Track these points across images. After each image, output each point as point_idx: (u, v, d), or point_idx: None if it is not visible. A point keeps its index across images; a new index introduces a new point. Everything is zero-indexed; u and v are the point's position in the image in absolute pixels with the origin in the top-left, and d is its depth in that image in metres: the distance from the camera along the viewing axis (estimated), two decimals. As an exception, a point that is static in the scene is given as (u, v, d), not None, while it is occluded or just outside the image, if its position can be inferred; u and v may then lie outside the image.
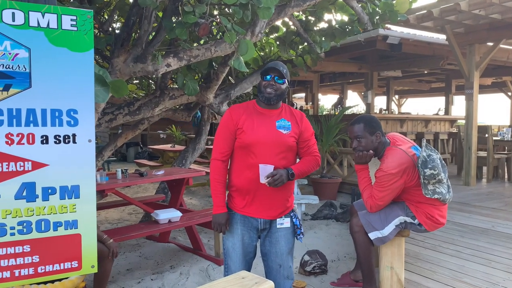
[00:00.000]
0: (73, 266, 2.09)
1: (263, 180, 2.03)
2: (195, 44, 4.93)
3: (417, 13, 5.84)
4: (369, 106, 9.39)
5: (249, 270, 2.20)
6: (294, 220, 2.19)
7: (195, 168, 5.91)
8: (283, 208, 2.16)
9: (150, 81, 7.25)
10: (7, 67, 1.90)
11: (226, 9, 4.90)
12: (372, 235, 2.43)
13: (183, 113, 6.46)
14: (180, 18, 3.83)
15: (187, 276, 3.34)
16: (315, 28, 5.61)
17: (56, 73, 2.01)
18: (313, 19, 5.57)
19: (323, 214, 5.19)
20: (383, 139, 2.48)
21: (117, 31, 5.18)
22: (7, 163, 1.91)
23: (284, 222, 2.16)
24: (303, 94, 17.14)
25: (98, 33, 4.69)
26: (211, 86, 5.14)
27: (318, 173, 6.88)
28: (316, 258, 3.32)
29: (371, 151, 2.45)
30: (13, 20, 1.90)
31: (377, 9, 5.03)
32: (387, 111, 12.74)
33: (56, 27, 1.99)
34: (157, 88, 5.06)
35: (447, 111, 11.90)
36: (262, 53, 6.59)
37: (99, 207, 4.42)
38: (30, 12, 1.92)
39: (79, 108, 2.07)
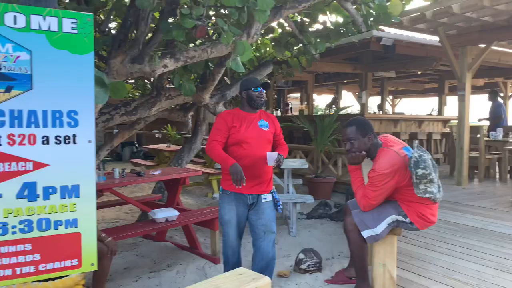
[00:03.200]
0: (73, 264, 2.14)
1: (271, 163, 2.69)
2: (191, 45, 4.97)
3: (410, 15, 5.92)
4: (364, 107, 9.48)
5: (241, 235, 2.89)
6: (274, 195, 2.88)
7: (192, 168, 5.95)
8: (265, 187, 2.82)
9: (146, 81, 7.29)
10: (9, 69, 1.94)
11: (222, 10, 4.94)
12: (365, 234, 2.50)
13: (179, 113, 6.50)
14: (177, 20, 3.89)
15: (184, 274, 3.39)
16: (310, 30, 5.67)
17: (57, 75, 2.05)
18: (308, 20, 5.63)
19: (318, 213, 5.26)
20: (375, 141, 2.55)
21: (113, 32, 5.22)
22: (8, 163, 1.95)
23: (268, 197, 2.83)
24: (298, 94, 17.22)
25: (95, 34, 4.71)
26: (207, 86, 5.18)
27: (312, 172, 6.95)
28: (311, 256, 3.38)
29: (363, 152, 2.52)
30: (15, 23, 1.94)
31: (371, 11, 5.10)
32: (381, 112, 12.85)
33: (57, 30, 2.03)
34: (154, 89, 5.10)
35: (440, 112, 12.03)
36: (257, 54, 6.64)
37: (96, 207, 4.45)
38: (31, 15, 1.97)
39: (79, 109, 2.12)
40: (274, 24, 5.73)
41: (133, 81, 7.40)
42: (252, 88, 2.79)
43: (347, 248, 3.92)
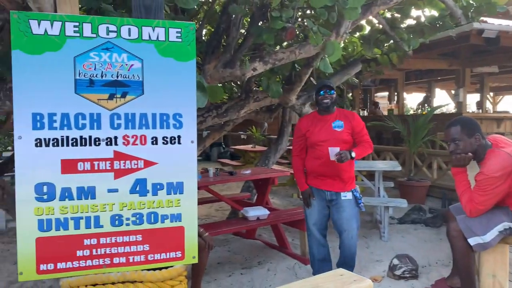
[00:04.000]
0: (177, 256, 2.30)
1: (333, 157, 2.84)
2: (278, 48, 5.05)
3: (519, 3, 5.34)
4: (461, 105, 8.77)
5: (325, 229, 3.14)
6: (355, 194, 3.01)
7: (279, 169, 6.03)
8: (344, 185, 2.98)
9: (233, 84, 7.57)
10: (125, 76, 2.15)
11: (309, 11, 4.94)
12: (472, 241, 2.31)
13: (265, 115, 6.63)
14: (267, 24, 3.98)
15: (275, 273, 3.46)
16: (402, 26, 5.41)
17: (164, 81, 2.22)
18: (399, 16, 5.38)
19: (411, 218, 4.99)
20: (483, 142, 2.35)
21: (203, 39, 5.50)
22: (124, 161, 2.16)
23: (348, 195, 2.98)
24: (386, 93, 16.48)
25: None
26: (293, 88, 5.22)
27: (404, 175, 6.61)
28: (406, 262, 3.23)
29: (470, 154, 2.33)
30: (129, 35, 2.14)
31: (471, 1, 4.71)
32: (480, 110, 11.77)
33: (164, 40, 2.21)
34: (243, 92, 5.27)
35: (554, 109, 10.64)
36: (344, 53, 6.51)
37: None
38: (143, 27, 2.16)
39: (183, 112, 2.27)
40: (363, 22, 5.58)
41: (220, 85, 7.72)
42: (317, 93, 3.02)
43: (445, 256, 3.68)
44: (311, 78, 6.22)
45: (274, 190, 7.59)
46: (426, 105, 12.40)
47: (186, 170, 2.28)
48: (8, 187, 3.32)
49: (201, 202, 4.84)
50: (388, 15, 5.52)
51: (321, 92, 2.99)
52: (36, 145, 2.02)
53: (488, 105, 16.07)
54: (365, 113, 13.23)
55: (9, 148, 9.16)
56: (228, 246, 4.25)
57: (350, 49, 6.55)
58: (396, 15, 5.40)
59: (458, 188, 2.42)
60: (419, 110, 12.33)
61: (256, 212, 3.48)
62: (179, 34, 2.23)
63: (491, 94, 17.11)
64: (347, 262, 3.05)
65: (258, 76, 5.29)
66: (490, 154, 2.29)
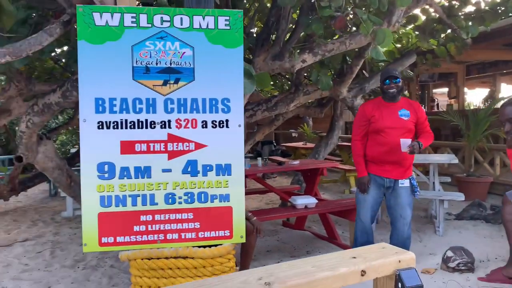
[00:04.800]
0: (225, 234, 2.40)
1: (405, 149, 2.83)
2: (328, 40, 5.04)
3: None
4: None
5: (374, 218, 3.13)
6: (412, 181, 3.03)
7: (328, 160, 5.99)
8: (403, 173, 3.00)
9: (283, 80, 7.62)
10: (177, 63, 2.29)
11: (359, 0, 4.88)
12: (529, 225, 2.20)
13: (316, 109, 6.62)
14: (316, 15, 3.99)
15: (323, 262, 3.46)
16: (460, 14, 5.17)
17: (213, 67, 2.33)
18: (457, 3, 5.15)
19: (469, 214, 4.75)
20: None
21: (251, 31, 5.60)
22: (176, 143, 2.30)
23: (405, 183, 3.00)
24: (445, 89, 15.67)
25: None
26: (345, 80, 5.18)
27: (463, 171, 6.28)
28: (461, 254, 3.10)
29: None
30: (181, 24, 2.28)
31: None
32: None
33: (213, 27, 2.31)
34: (292, 85, 5.31)
35: None
36: (399, 45, 6.33)
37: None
38: (194, 16, 2.28)
39: (231, 97, 2.36)
40: (417, 11, 5.40)
41: (272, 82, 7.81)
42: (383, 82, 3.03)
43: (506, 252, 3.47)
44: (363, 71, 6.12)
45: (325, 187, 7.54)
46: (490, 100, 11.64)
47: (233, 152, 2.37)
48: (75, 176, 3.62)
49: (250, 192, 4.96)
50: (445, 3, 5.30)
51: (387, 81, 3.00)
52: (98, 127, 2.20)
53: None
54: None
55: (76, 146, 9.90)
56: (278, 236, 4.32)
57: (404, 41, 6.35)
58: (454, 2, 5.17)
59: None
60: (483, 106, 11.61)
61: (304, 201, 3.51)
62: (227, 22, 2.33)
63: None
64: (402, 247, 2.98)
65: (309, 69, 5.32)
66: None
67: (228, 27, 2.34)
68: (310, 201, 3.52)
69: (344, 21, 3.56)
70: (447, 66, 9.32)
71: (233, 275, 1.25)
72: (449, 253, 3.14)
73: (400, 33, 6.18)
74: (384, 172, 3.01)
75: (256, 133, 6.26)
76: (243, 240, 2.42)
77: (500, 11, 5.00)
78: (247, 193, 4.90)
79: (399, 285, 1.30)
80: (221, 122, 2.36)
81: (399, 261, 1.37)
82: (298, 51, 4.21)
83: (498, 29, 6.55)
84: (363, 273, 1.29)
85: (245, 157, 8.51)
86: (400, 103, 3.04)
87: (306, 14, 4.15)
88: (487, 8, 4.89)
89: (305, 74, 5.61)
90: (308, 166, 3.94)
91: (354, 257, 1.36)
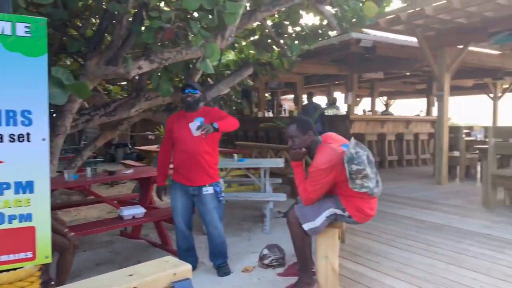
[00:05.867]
0: (27, 256, 2.23)
1: (196, 133, 2.96)
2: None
3: (387, 17, 6.03)
4: (350, 108, 9.58)
5: (189, 222, 3.33)
6: (215, 188, 3.22)
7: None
8: (206, 180, 3.18)
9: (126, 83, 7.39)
10: (-37, 71, 2.05)
11: (196, 14, 5.06)
12: (306, 226, 2.62)
13: (163, 114, 6.59)
14: (148, 23, 4.00)
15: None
16: (290, 31, 5.79)
17: (11, 76, 2.15)
18: (287, 22, 5.75)
19: (294, 212, 5.35)
20: (315, 138, 2.70)
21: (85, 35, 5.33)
22: (-37, 160, 2.06)
23: (209, 190, 3.19)
24: (292, 96, 17.31)
25: (75, 36, 4.84)
26: (185, 87, 5.28)
27: (291, 171, 6.99)
28: (275, 251, 3.48)
29: (304, 149, 2.67)
30: (-31, 28, 2.04)
31: (346, 13, 5.20)
32: (371, 113, 12.94)
33: (10, 34, 2.14)
34: (133, 90, 5.21)
35: (428, 112, 12.12)
36: (242, 55, 6.75)
37: (74, 205, 4.57)
38: (-15, 20, 2.07)
39: (33, 109, 2.21)
40: (254, 25, 5.85)
41: (125, 82, 7.51)
42: (182, 91, 3.26)
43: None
44: (209, 79, 6.35)
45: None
46: (333, 104, 13.14)
47: (36, 168, 2.22)
48: None
49: (91, 202, 4.69)
50: (278, 21, 5.86)
51: (185, 91, 3.22)
52: None
53: (382, 107, 17.72)
54: (270, 114, 13.75)
55: None
56: (111, 246, 4.19)
57: (245, 53, 6.81)
58: (285, 22, 5.76)
59: (296, 180, 2.74)
60: (329, 111, 13.08)
61: (131, 211, 3.49)
62: (27, 29, 2.18)
63: (385, 98, 18.91)
64: (218, 252, 3.30)
65: (150, 74, 5.27)
66: (319, 149, 2.61)
67: (29, 35, 2.19)
68: (138, 211, 3.52)
69: (173, 33, 3.65)
70: (289, 76, 10.33)
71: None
72: (265, 251, 3.49)
73: (242, 45, 6.60)
74: (186, 180, 3.18)
75: (98, 138, 5.94)
76: (49, 261, 2.29)
77: (320, 32, 5.78)
78: (87, 203, 4.64)
79: (174, 296, 1.41)
80: (20, 135, 2.19)
81: (175, 274, 1.49)
82: (130, 56, 4.16)
83: (324, 48, 7.55)
84: (134, 290, 1.36)
85: (90, 162, 7.95)
86: (198, 112, 3.23)
87: (139, 22, 4.12)
88: (308, 30, 5.58)
89: (149, 80, 5.56)
90: (139, 174, 3.92)
91: (131, 274, 1.43)
